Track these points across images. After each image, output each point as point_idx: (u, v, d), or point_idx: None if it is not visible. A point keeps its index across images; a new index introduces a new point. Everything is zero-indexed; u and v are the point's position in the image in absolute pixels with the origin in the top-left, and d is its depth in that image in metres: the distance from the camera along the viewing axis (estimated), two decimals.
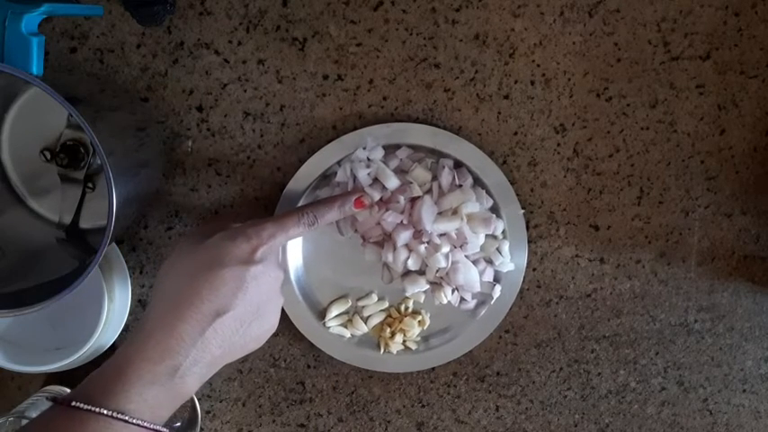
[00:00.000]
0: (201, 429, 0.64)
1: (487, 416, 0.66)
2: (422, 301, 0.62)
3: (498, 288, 0.61)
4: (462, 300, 0.61)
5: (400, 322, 0.61)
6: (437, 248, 0.58)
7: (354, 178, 0.58)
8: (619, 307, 0.64)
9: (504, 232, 0.61)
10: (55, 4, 0.49)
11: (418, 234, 0.59)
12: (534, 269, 0.63)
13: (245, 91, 0.60)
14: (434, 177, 0.60)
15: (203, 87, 0.60)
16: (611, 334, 0.64)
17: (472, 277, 0.59)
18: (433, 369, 0.65)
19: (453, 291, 0.61)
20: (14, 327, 0.62)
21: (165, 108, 0.60)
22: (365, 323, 0.62)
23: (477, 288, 0.60)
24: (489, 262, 0.61)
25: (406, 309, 0.62)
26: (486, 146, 0.60)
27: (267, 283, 0.47)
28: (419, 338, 0.63)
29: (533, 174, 0.61)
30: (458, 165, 0.60)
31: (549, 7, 0.58)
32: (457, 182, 0.59)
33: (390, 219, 0.58)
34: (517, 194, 0.61)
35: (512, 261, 0.61)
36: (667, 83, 0.59)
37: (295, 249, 0.61)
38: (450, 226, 0.58)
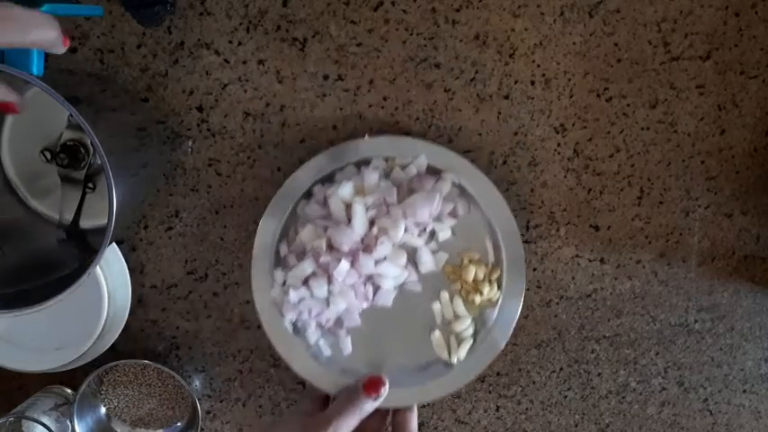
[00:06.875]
0: (202, 429, 0.64)
1: (487, 416, 0.66)
2: (443, 260, 0.59)
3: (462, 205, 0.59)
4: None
5: (462, 275, 0.58)
6: (395, 222, 0.56)
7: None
8: (619, 307, 0.64)
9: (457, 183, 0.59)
10: (55, 4, 0.49)
11: (367, 248, 0.57)
12: (534, 269, 0.63)
13: (246, 91, 0.60)
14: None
15: (203, 87, 0.60)
16: (612, 334, 0.64)
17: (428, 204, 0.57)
18: None
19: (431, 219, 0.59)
20: (14, 327, 0.62)
21: (165, 108, 0.60)
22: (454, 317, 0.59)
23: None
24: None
25: (448, 265, 0.59)
26: (486, 146, 0.60)
27: None
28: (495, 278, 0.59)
29: (533, 174, 0.61)
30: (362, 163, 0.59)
31: (549, 7, 0.58)
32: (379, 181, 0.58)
33: (342, 269, 0.56)
34: (517, 195, 0.61)
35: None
36: (667, 83, 0.59)
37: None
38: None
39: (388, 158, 0.59)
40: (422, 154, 0.58)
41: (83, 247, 0.57)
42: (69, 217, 0.56)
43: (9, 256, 0.56)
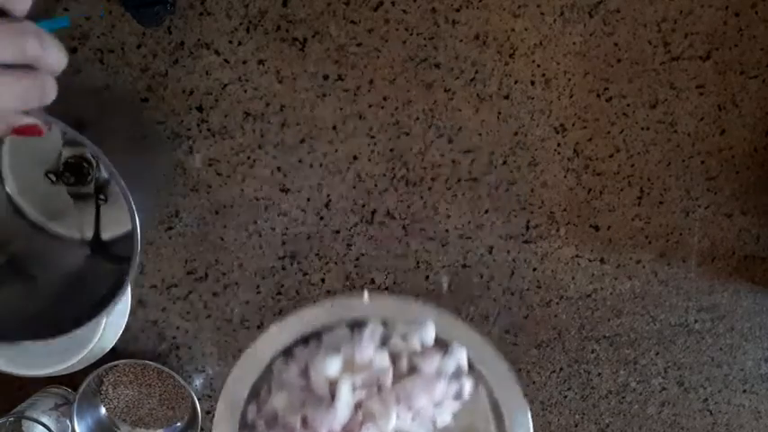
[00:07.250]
0: (202, 429, 0.64)
1: None
2: None
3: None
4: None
5: None
6: (386, 409, 0.47)
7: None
8: (619, 307, 0.64)
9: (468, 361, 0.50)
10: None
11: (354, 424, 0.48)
12: (534, 269, 0.63)
13: (246, 91, 0.60)
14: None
15: (203, 87, 0.60)
16: (612, 334, 0.64)
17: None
18: None
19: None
20: None
21: (165, 108, 0.60)
22: None
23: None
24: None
25: None
26: (486, 146, 0.60)
27: None
28: None
29: (533, 174, 0.61)
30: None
31: (549, 7, 0.58)
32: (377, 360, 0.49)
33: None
34: (517, 195, 0.61)
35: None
36: (667, 83, 0.59)
37: None
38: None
39: (387, 322, 0.50)
40: (428, 322, 0.49)
41: (110, 258, 0.56)
42: (90, 232, 0.56)
43: (43, 282, 0.55)
